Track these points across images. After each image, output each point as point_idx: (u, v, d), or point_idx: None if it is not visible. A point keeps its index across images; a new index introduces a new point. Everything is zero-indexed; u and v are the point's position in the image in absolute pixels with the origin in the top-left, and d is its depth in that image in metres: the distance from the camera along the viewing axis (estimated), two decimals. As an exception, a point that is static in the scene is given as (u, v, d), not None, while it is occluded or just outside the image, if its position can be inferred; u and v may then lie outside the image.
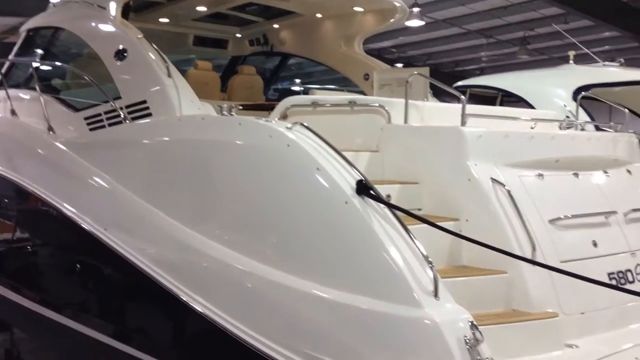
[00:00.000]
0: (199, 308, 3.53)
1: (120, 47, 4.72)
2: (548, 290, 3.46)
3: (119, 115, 4.49)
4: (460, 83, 8.74)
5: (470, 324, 2.77)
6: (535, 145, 3.92)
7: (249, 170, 3.52)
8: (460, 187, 3.70)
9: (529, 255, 3.47)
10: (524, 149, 3.88)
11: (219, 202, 3.69)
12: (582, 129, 4.83)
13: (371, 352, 2.91)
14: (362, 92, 6.66)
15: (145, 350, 4.02)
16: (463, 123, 3.85)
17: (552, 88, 7.14)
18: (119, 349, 4.23)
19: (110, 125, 4.66)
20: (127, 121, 4.44)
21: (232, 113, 3.70)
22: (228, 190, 3.64)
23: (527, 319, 3.30)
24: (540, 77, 8.07)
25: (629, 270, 3.90)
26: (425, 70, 5.01)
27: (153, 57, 4.52)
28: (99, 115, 4.80)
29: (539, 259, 3.50)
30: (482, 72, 23.16)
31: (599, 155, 4.31)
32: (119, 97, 4.64)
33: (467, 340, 2.73)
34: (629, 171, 4.50)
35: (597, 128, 5.56)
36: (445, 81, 4.99)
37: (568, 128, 4.84)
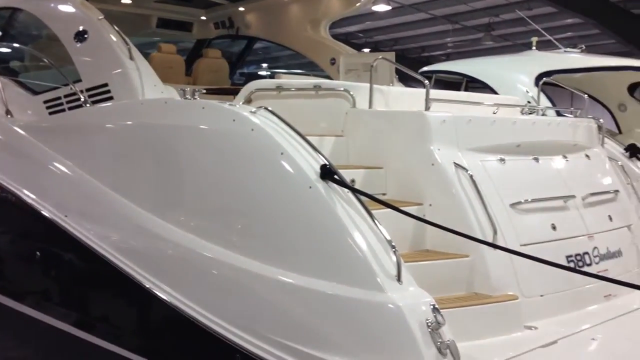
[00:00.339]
0: (163, 296, 3.50)
1: (81, 28, 4.61)
2: (509, 274, 3.53)
3: (79, 99, 4.39)
4: (425, 68, 8.79)
5: (432, 307, 2.81)
6: (497, 130, 3.97)
7: (213, 155, 3.49)
8: (423, 172, 3.74)
9: (490, 239, 3.52)
10: (486, 133, 3.93)
11: (182, 188, 3.65)
12: (543, 114, 4.91)
13: (335, 336, 2.93)
14: (329, 77, 6.65)
15: (108, 338, 3.97)
16: (427, 108, 3.87)
17: (515, 74, 7.24)
18: (81, 337, 4.17)
19: (70, 109, 4.56)
20: (88, 105, 4.35)
21: (196, 97, 3.65)
22: (191, 176, 3.61)
23: (488, 302, 3.36)
24: (504, 63, 8.16)
25: (587, 253, 4.00)
26: (391, 55, 5.01)
27: (114, 38, 4.42)
28: (59, 98, 4.69)
29: (500, 243, 3.56)
30: (448, 57, 23.32)
31: (559, 140, 4.39)
32: (79, 80, 4.54)
33: (429, 324, 2.77)
34: (587, 156, 4.60)
35: (558, 113, 5.66)
36: (412, 67, 5.01)
37: (530, 113, 4.92)
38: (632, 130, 8.78)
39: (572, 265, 3.87)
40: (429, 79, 7.73)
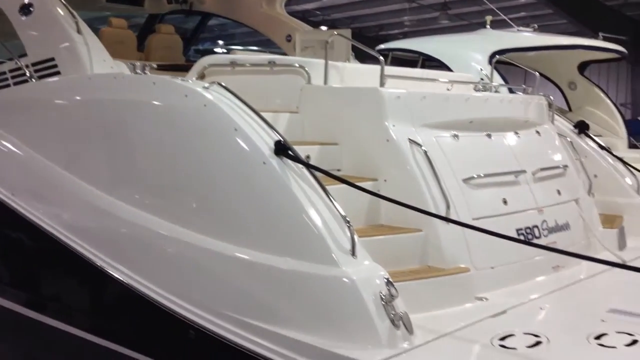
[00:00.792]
0: (116, 274, 3.45)
1: (26, 1, 4.45)
2: (461, 247, 3.60)
3: (24, 74, 4.24)
4: (382, 46, 8.81)
5: (385, 280, 2.85)
6: (450, 107, 4.02)
7: (165, 131, 3.43)
8: (378, 148, 3.76)
9: (443, 214, 3.58)
10: (440, 110, 3.97)
11: (133, 165, 3.59)
12: (496, 92, 4.99)
13: (290, 310, 2.95)
14: (285, 55, 6.59)
15: (60, 318, 3.90)
16: (382, 84, 3.88)
17: (469, 52, 7.32)
18: (32, 317, 4.08)
19: (15, 84, 4.40)
20: (34, 80, 4.20)
21: (146, 72, 3.57)
22: (143, 152, 3.54)
23: (441, 275, 3.42)
24: (459, 41, 8.25)
25: (536, 226, 4.11)
26: (347, 32, 4.99)
27: (61, 12, 4.28)
28: (4, 73, 4.53)
29: (452, 217, 3.62)
30: (405, 36, 23.42)
31: (511, 116, 4.47)
32: (24, 55, 4.38)
33: (383, 297, 2.81)
34: (538, 132, 4.70)
35: (511, 91, 5.76)
36: (369, 45, 4.99)
37: (483, 91, 4.99)
38: (582, 107, 9.04)
39: (521, 238, 3.97)
40: (386, 57, 7.76)
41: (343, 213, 3.00)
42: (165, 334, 3.28)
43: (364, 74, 4.31)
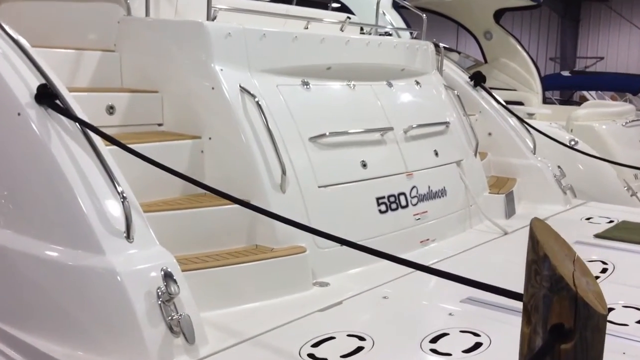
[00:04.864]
0: None
1: None
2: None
3: None
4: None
5: (163, 272, 2.16)
6: (300, 49, 3.30)
7: None
8: (203, 97, 3.02)
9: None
10: (286, 52, 3.25)
11: None
12: (380, 34, 4.30)
13: (44, 312, 2.24)
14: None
15: None
16: (211, 17, 3.10)
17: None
18: None
19: None
20: None
21: None
22: None
23: (269, 257, 2.76)
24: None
25: (403, 194, 3.50)
26: None
27: None
28: None
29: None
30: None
31: (382, 63, 3.80)
32: None
33: (160, 294, 2.14)
34: (417, 83, 4.06)
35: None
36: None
37: (365, 33, 4.29)
38: (497, 59, 8.53)
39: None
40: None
41: (119, 181, 2.28)
42: None
43: (198, 5, 3.49)
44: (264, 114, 2.95)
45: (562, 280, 1.19)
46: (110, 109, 2.97)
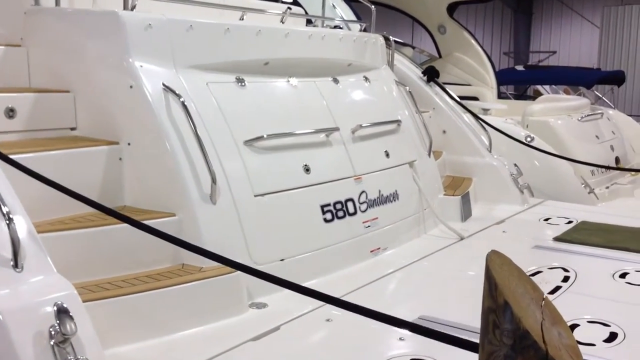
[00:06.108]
0: None
1: None
2: (234, 235, 2.64)
3: None
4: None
5: (56, 309, 1.81)
6: (234, 42, 2.96)
7: None
8: (120, 98, 2.66)
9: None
10: (217, 45, 2.91)
11: None
12: (326, 27, 3.99)
13: None
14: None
15: None
16: (129, 7, 2.73)
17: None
18: None
19: None
20: None
21: None
22: None
23: (195, 279, 2.43)
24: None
25: (350, 200, 3.21)
26: None
27: None
28: None
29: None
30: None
31: (327, 58, 3.50)
32: None
33: (53, 334, 1.78)
34: (366, 79, 3.78)
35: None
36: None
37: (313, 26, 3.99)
38: (452, 54, 8.34)
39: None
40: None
41: (4, 198, 1.91)
42: None
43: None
44: (190, 115, 2.61)
45: (528, 337, 0.91)
46: (10, 112, 2.58)
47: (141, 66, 2.64)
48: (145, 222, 2.46)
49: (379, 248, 3.32)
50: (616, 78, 9.53)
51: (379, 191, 3.42)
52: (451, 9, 8.22)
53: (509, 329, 0.91)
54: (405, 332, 2.31)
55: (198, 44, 2.83)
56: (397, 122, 3.80)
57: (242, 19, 3.24)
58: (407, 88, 4.12)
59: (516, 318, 0.91)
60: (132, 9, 2.74)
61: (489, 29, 22.47)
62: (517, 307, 0.92)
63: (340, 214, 3.14)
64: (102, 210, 2.06)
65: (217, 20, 2.98)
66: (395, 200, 3.54)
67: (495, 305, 0.93)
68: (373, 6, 4.27)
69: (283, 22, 3.49)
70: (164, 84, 2.64)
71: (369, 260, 3.21)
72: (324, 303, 2.60)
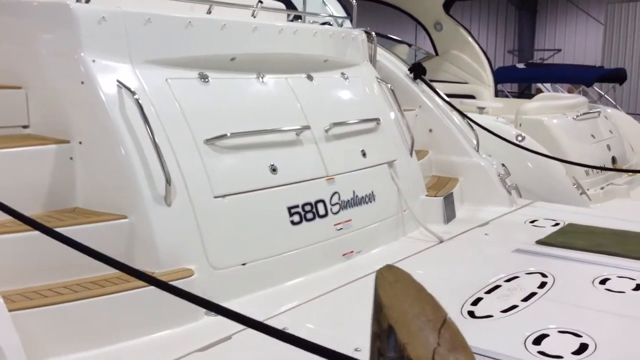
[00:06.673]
0: None
1: None
2: (189, 238, 2.52)
3: None
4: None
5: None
6: (197, 36, 2.84)
7: None
8: (70, 94, 2.55)
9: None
10: (179, 40, 2.79)
11: None
12: (299, 21, 3.86)
13: None
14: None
15: None
16: (83, -1, 2.62)
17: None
18: None
19: None
20: None
21: None
22: None
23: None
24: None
25: (321, 201, 3.09)
26: None
27: None
28: None
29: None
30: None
31: (300, 53, 3.37)
32: None
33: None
34: (344, 75, 3.64)
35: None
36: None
37: (292, 20, 3.85)
38: (448, 51, 8.20)
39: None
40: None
41: None
42: None
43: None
44: (144, 113, 2.49)
45: (416, 367, 0.78)
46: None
47: (93, 61, 2.52)
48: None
49: (352, 251, 3.19)
50: (618, 76, 9.33)
51: (354, 192, 3.29)
52: (447, 6, 8.06)
53: (393, 358, 0.78)
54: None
55: (157, 38, 2.71)
56: (376, 120, 3.66)
57: (209, 13, 3.11)
58: (389, 85, 3.98)
59: (400, 345, 0.77)
60: (86, 1, 2.62)
61: (493, 27, 22.25)
62: (404, 332, 0.79)
63: (310, 215, 3.01)
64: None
65: (179, 14, 2.86)
66: (371, 202, 3.40)
67: (380, 330, 0.80)
68: (354, 0, 4.12)
69: (254, 17, 3.37)
70: (118, 80, 2.53)
71: (341, 263, 3.09)
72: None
